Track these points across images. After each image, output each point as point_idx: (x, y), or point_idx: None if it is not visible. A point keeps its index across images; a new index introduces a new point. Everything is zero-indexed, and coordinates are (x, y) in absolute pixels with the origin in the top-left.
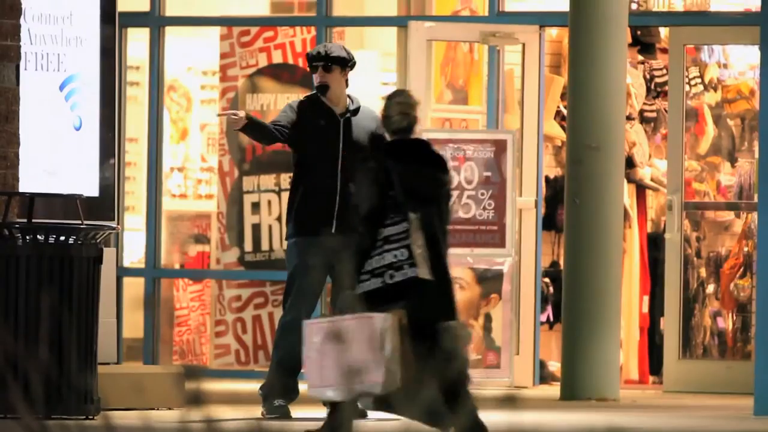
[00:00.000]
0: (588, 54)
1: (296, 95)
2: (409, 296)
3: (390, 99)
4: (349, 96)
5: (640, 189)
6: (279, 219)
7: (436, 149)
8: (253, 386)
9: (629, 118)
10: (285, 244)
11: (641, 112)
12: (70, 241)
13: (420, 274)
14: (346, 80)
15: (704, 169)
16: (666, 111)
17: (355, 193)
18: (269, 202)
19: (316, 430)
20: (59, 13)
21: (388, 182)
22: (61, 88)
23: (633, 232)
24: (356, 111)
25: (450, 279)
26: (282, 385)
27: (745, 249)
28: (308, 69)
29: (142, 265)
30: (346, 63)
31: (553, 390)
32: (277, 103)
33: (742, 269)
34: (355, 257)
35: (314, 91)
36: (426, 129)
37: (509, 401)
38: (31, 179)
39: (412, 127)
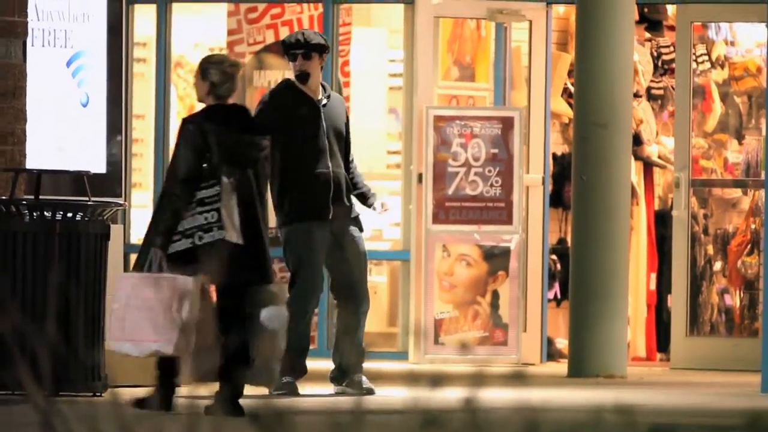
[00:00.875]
0: (595, 31)
1: None
2: (216, 258)
3: (210, 64)
4: (321, 83)
5: (648, 166)
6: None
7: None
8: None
9: (636, 95)
10: (279, 231)
11: (648, 89)
12: (78, 217)
13: (227, 236)
14: (321, 67)
15: (711, 147)
16: (673, 88)
17: (173, 156)
18: None
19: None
20: None
21: (206, 146)
22: (68, 64)
23: (640, 209)
24: (328, 97)
25: (264, 242)
26: (290, 364)
27: (752, 226)
28: (285, 56)
29: None
30: (324, 50)
31: (561, 367)
32: None
33: (749, 246)
34: (169, 218)
35: (286, 79)
36: (433, 106)
37: (517, 378)
38: (39, 156)
39: (232, 92)
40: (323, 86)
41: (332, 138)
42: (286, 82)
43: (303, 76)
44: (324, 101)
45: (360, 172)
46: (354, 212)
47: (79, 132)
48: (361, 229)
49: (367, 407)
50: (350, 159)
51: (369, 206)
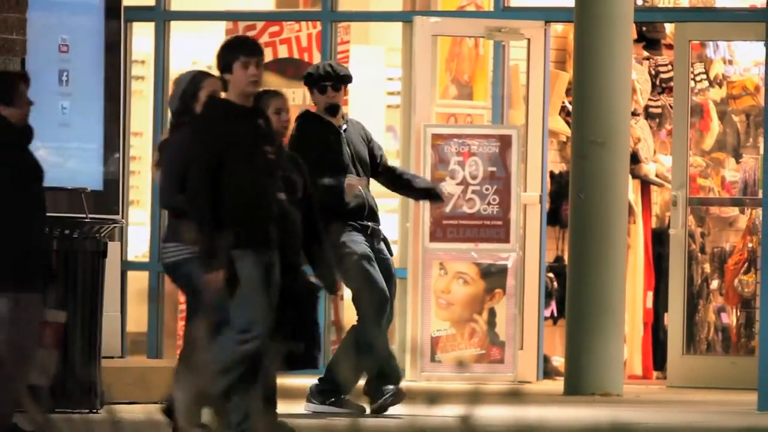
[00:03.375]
0: (593, 50)
1: (301, 90)
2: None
3: None
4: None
5: (645, 185)
6: None
7: None
8: None
9: (634, 113)
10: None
11: (646, 107)
12: (75, 235)
13: None
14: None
15: (709, 165)
16: (671, 107)
17: None
18: None
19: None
20: (64, 8)
21: None
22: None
23: (637, 227)
24: (347, 122)
25: None
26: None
27: (750, 245)
28: (309, 87)
29: (147, 259)
30: (351, 81)
31: (557, 385)
32: None
33: (746, 265)
34: None
35: (306, 111)
36: (431, 124)
37: (513, 396)
38: None
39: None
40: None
41: (356, 162)
42: (307, 114)
43: (334, 109)
44: (344, 127)
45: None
46: (382, 234)
47: (77, 148)
48: (390, 252)
49: (364, 425)
50: (395, 169)
51: (437, 199)
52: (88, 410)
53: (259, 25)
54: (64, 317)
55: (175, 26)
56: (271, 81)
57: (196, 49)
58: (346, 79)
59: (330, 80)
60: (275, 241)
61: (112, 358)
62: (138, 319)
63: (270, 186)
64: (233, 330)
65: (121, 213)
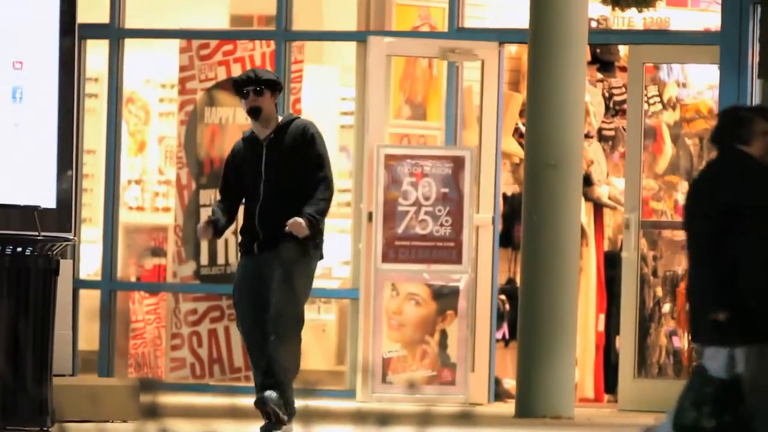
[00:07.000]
0: (547, 71)
1: None
2: None
3: None
4: (282, 116)
5: (598, 207)
6: (235, 233)
7: None
8: (209, 400)
9: (587, 136)
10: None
11: (599, 130)
12: (27, 252)
13: None
14: (275, 105)
15: (662, 188)
16: (624, 129)
17: None
18: None
19: None
20: (19, 24)
21: None
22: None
23: (590, 250)
24: (286, 126)
25: None
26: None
27: None
28: (238, 95)
29: (99, 277)
30: (275, 86)
31: (508, 407)
32: (236, 116)
33: None
34: None
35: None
36: (384, 144)
37: (464, 418)
38: None
39: None
40: (286, 118)
41: (273, 171)
42: (245, 133)
43: (254, 111)
44: (272, 135)
45: (316, 200)
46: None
47: (29, 166)
48: (305, 254)
49: None
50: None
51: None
52: (38, 428)
53: (213, 43)
54: None
55: (129, 44)
56: (225, 99)
57: (149, 67)
58: (269, 83)
59: (251, 84)
60: None
61: (63, 376)
62: (89, 338)
63: None
64: None
65: (73, 231)
